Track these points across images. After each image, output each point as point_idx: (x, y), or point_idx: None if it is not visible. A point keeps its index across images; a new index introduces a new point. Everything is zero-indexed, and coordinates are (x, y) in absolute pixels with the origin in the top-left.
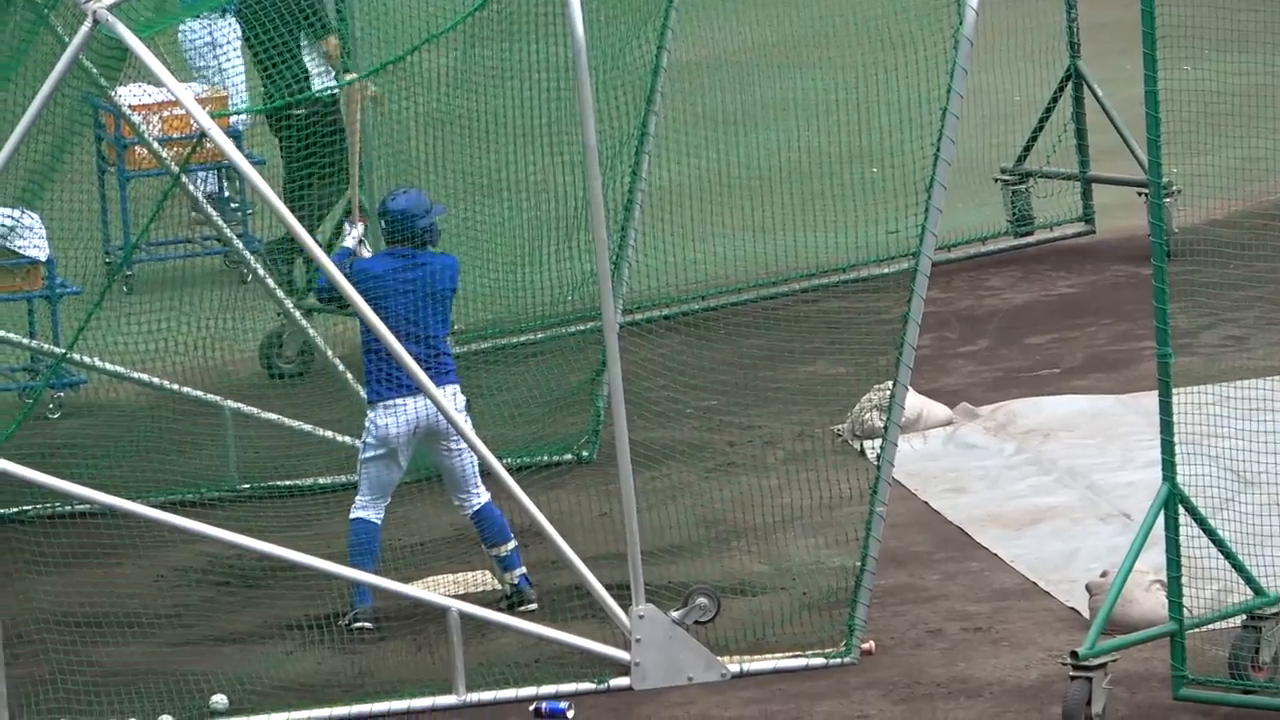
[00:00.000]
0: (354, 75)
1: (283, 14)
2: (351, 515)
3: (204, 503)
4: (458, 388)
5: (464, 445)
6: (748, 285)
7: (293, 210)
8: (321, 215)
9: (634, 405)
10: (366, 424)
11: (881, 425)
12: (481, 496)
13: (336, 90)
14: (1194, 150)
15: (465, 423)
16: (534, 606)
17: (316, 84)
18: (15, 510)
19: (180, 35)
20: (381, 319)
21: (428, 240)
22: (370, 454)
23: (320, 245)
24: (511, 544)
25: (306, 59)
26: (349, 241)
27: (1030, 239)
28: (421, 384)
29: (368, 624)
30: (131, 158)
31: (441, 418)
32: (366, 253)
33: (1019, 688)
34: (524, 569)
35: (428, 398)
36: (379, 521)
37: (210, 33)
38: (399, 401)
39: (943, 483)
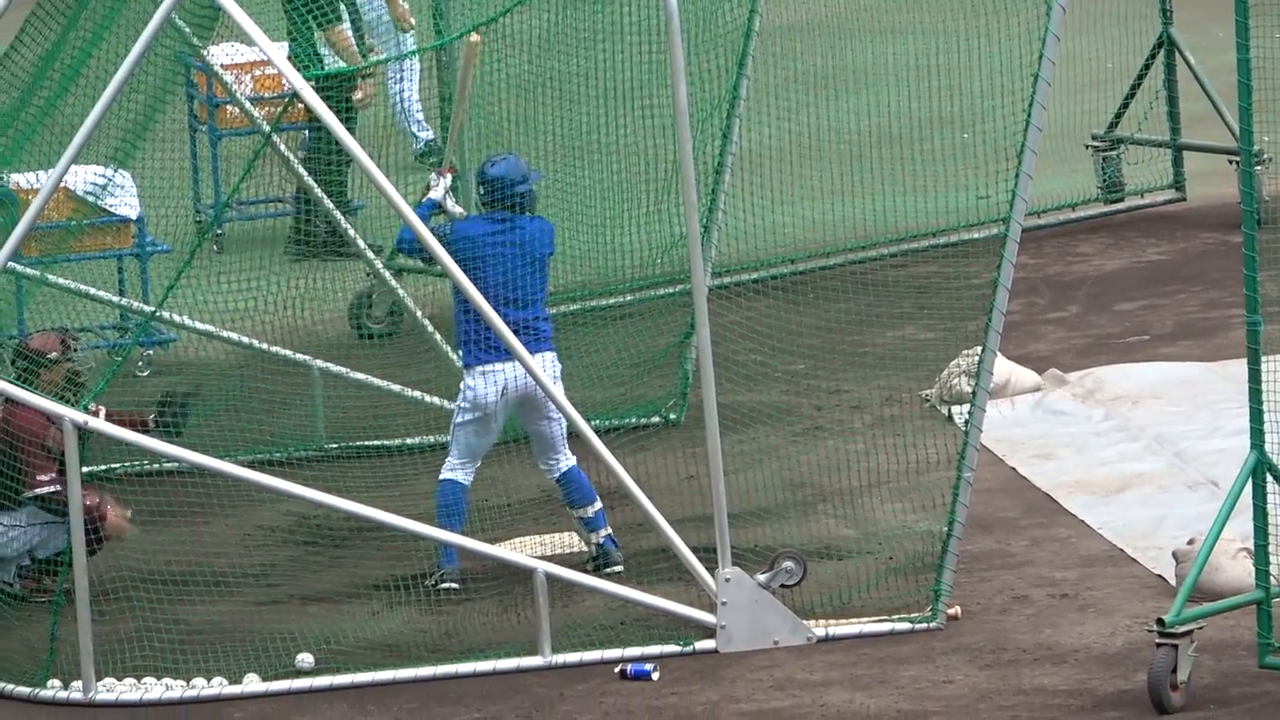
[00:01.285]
0: (474, 36)
1: None
2: (441, 476)
3: (291, 462)
4: (554, 354)
5: (556, 412)
6: (837, 249)
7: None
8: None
9: (722, 368)
10: (462, 388)
11: (970, 391)
12: (568, 460)
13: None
14: None
15: (558, 389)
16: (620, 568)
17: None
18: (104, 468)
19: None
20: (478, 284)
21: (524, 206)
22: (464, 419)
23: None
24: (596, 505)
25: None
26: (435, 193)
27: (1120, 205)
28: (515, 350)
29: (454, 584)
30: (223, 117)
31: (535, 384)
32: (452, 204)
33: (1105, 654)
34: (609, 530)
35: (521, 364)
36: (468, 483)
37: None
38: (495, 367)
39: (1030, 449)
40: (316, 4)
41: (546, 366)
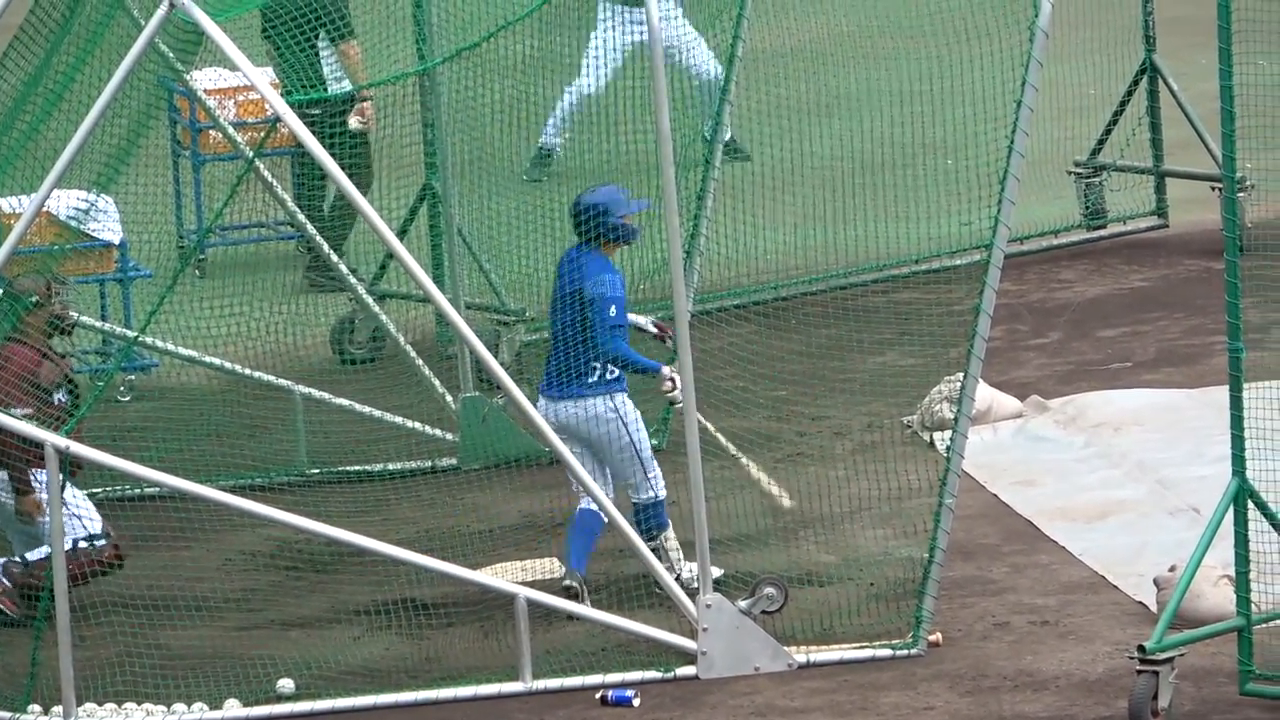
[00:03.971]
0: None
1: (303, 11)
2: (657, 497)
3: (273, 487)
4: (605, 399)
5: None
6: (819, 276)
7: (312, 205)
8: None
9: (704, 394)
10: (618, 406)
11: (951, 417)
12: (648, 493)
13: (352, 90)
14: (1268, 145)
15: (613, 430)
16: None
17: (331, 89)
18: (85, 493)
19: None
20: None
21: (620, 238)
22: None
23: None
24: (665, 533)
25: (324, 60)
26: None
27: (1103, 232)
28: (501, 381)
29: (575, 582)
30: (206, 142)
31: (576, 422)
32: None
33: (1085, 681)
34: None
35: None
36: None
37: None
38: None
39: (1012, 475)
40: (330, 19)
41: (595, 409)
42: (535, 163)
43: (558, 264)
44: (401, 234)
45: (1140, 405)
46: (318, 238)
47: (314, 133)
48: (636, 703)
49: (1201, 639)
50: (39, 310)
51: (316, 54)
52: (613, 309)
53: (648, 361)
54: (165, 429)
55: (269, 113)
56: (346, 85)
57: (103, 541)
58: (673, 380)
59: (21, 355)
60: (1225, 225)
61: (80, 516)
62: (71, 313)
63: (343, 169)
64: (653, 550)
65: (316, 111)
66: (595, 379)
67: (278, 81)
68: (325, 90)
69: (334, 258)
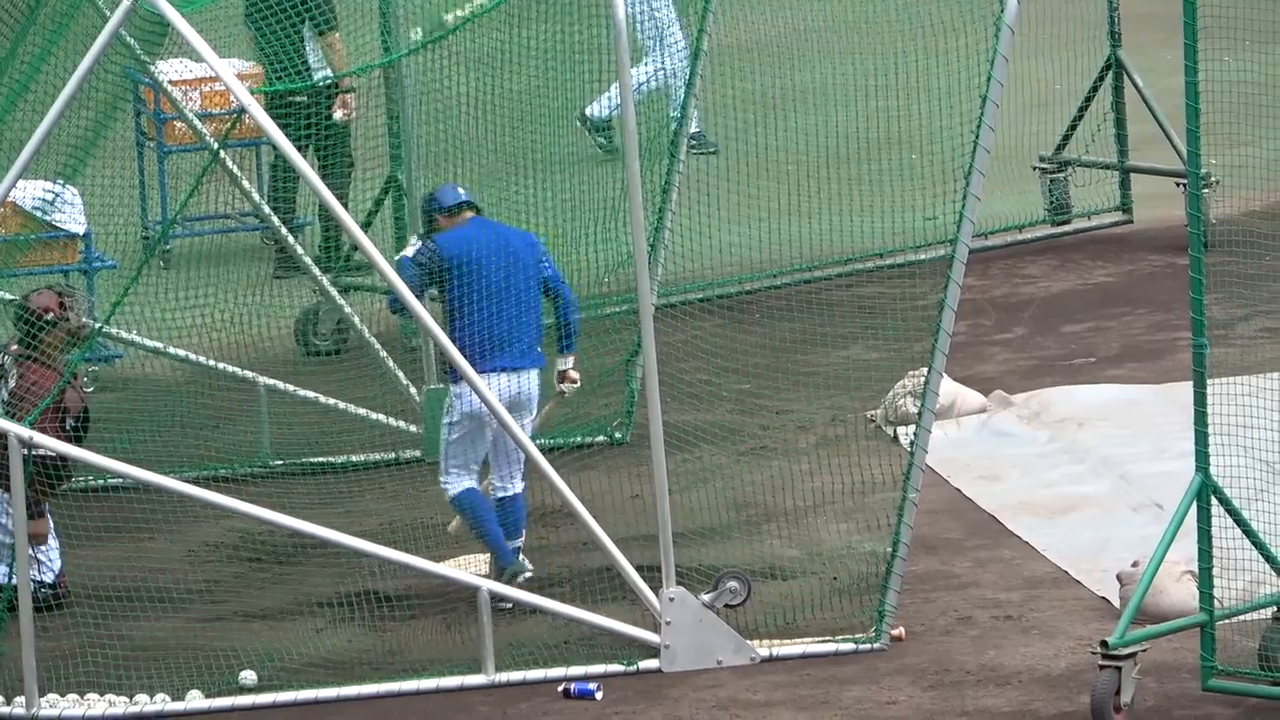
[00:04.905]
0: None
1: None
2: (452, 494)
3: (237, 479)
4: (538, 371)
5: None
6: (784, 270)
7: (284, 197)
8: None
9: (668, 387)
10: (451, 400)
11: (915, 411)
12: (518, 486)
13: (335, 79)
14: (1233, 141)
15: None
16: (528, 575)
17: (315, 76)
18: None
19: None
20: (472, 291)
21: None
22: (455, 434)
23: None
24: (519, 542)
25: (309, 50)
26: (408, 252)
27: (1067, 228)
28: (460, 368)
29: (529, 570)
30: (171, 132)
31: (524, 392)
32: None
33: (1048, 676)
34: (523, 571)
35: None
36: (476, 485)
37: None
38: (492, 376)
39: (976, 470)
40: (312, 9)
41: (527, 383)
42: (596, 130)
43: (475, 239)
44: (366, 225)
45: (1104, 401)
46: (282, 229)
47: (300, 122)
48: (599, 696)
49: (1164, 634)
50: (54, 330)
51: (302, 41)
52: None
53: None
54: (129, 420)
55: (234, 104)
56: (328, 74)
57: (47, 591)
58: None
59: (47, 380)
60: (1190, 221)
61: (42, 562)
62: (85, 320)
63: (327, 159)
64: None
65: (303, 99)
66: (541, 349)
67: (244, 72)
68: (310, 79)
69: (298, 250)
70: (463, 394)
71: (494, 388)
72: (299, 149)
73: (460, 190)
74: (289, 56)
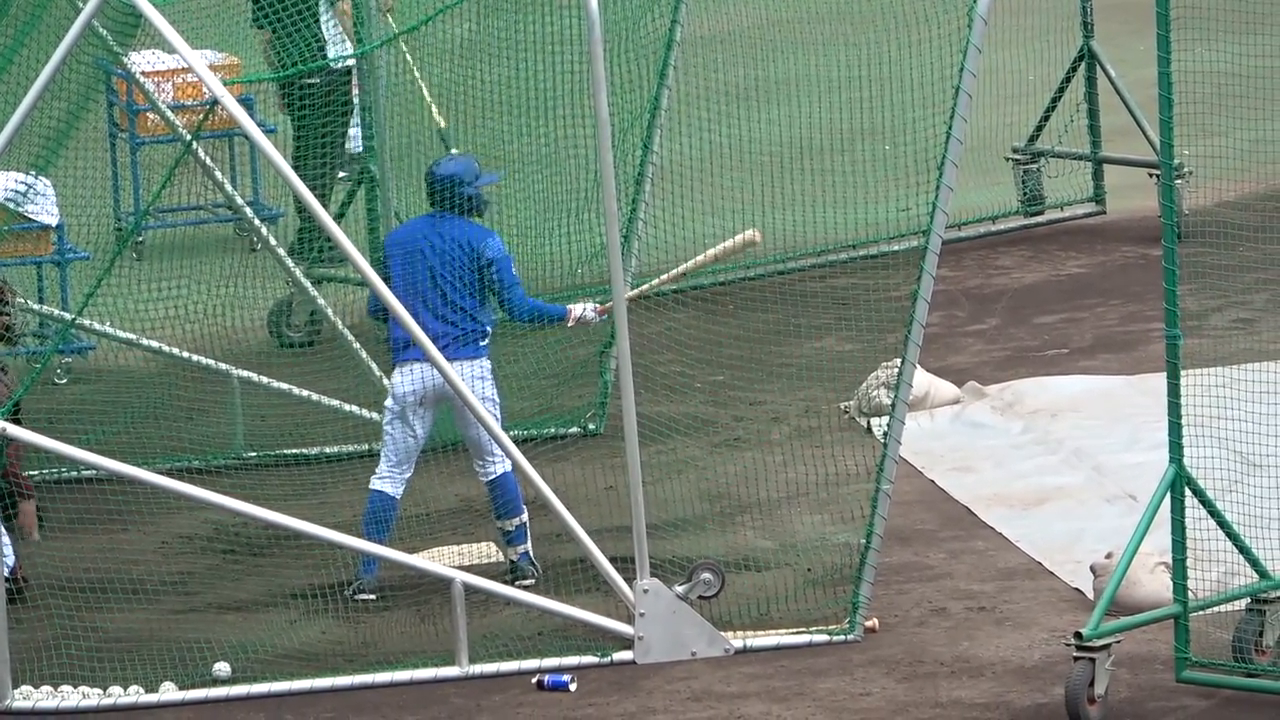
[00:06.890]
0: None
1: None
2: (371, 485)
3: (210, 470)
4: (480, 360)
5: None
6: (757, 260)
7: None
8: (329, 184)
9: (642, 379)
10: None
11: (889, 403)
12: (501, 465)
13: (352, 59)
14: (1206, 132)
15: (485, 390)
16: (530, 582)
17: (332, 52)
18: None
19: None
20: (404, 280)
21: (472, 208)
22: (388, 417)
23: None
24: (519, 519)
25: (325, 25)
26: (577, 311)
27: (1041, 219)
28: (428, 351)
29: (370, 595)
30: (143, 124)
31: (440, 385)
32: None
33: (1022, 668)
34: (528, 547)
35: (431, 363)
36: (396, 495)
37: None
38: (411, 365)
39: (949, 461)
40: None
41: (466, 372)
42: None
43: (400, 231)
44: (339, 217)
45: (1077, 391)
46: (254, 220)
47: (313, 103)
48: (573, 687)
49: (1138, 626)
50: None
51: (317, 22)
52: (514, 267)
53: (556, 309)
54: (102, 411)
55: (206, 95)
56: (348, 48)
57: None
58: (584, 314)
59: None
60: (1163, 212)
61: None
62: (15, 320)
63: (332, 143)
64: (501, 534)
65: (315, 81)
66: (485, 341)
67: (216, 64)
68: (325, 58)
69: (271, 241)
70: (394, 381)
71: (411, 376)
72: (319, 129)
73: (478, 175)
74: (306, 43)
